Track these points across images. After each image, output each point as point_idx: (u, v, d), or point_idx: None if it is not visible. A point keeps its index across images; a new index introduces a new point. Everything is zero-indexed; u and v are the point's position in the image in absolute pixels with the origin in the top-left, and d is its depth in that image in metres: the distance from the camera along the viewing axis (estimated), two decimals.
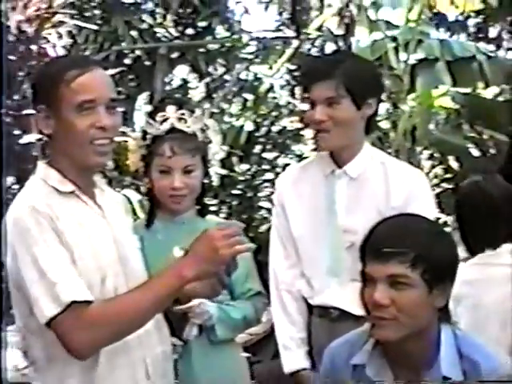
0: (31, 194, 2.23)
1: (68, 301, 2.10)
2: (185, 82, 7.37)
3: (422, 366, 2.14)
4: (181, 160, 2.69)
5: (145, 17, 7.35)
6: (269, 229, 6.13)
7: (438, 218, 2.87)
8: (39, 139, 5.07)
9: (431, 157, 6.30)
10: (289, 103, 7.34)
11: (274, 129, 6.85)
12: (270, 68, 7.20)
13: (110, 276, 2.24)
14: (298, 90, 7.39)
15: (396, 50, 5.89)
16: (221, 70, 7.52)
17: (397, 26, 6.42)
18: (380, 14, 6.60)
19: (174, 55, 7.28)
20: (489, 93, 6.68)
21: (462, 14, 7.99)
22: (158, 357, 2.36)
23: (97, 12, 7.13)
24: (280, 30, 7.43)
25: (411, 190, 2.82)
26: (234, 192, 6.41)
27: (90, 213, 2.29)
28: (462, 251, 2.88)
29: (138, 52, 7.27)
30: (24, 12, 5.53)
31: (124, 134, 2.67)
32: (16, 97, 5.55)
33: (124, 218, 2.46)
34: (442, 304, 2.15)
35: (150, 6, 7.50)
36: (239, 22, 7.74)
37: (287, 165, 6.61)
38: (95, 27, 6.77)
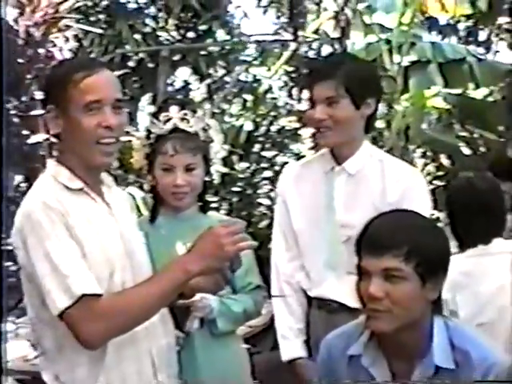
0: (42, 190, 2.23)
1: (79, 293, 2.11)
2: (186, 83, 7.37)
3: (415, 356, 2.15)
4: (183, 158, 2.69)
5: (148, 21, 7.35)
6: (268, 225, 6.17)
7: (432, 215, 2.87)
8: (46, 139, 5.07)
9: (424, 155, 6.30)
10: (287, 104, 7.34)
11: (273, 128, 6.84)
12: (269, 70, 7.20)
13: (118, 270, 2.25)
14: (295, 91, 7.39)
15: (390, 52, 5.89)
16: (221, 71, 7.52)
17: (390, 30, 6.42)
18: (374, 17, 6.60)
19: (176, 57, 7.28)
20: (479, 94, 6.68)
21: (452, 18, 7.98)
22: (164, 348, 2.38)
23: (102, 16, 7.13)
24: (278, 34, 7.43)
25: (407, 187, 2.83)
26: (234, 189, 6.41)
27: (98, 209, 2.29)
28: (453, 246, 2.88)
29: (141, 55, 7.27)
30: (32, 17, 5.53)
31: (128, 133, 2.67)
32: (24, 98, 5.54)
33: (130, 214, 2.47)
34: (434, 297, 2.15)
35: (152, 10, 7.49)
36: (239, 25, 7.74)
37: (285, 163, 6.62)
38: (100, 31, 6.76)
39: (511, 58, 7.11)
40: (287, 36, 7.02)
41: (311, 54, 7.24)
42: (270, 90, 7.24)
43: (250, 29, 7.82)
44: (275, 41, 7.37)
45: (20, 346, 3.83)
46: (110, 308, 2.15)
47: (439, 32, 8.42)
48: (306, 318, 2.95)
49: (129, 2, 7.40)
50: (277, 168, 6.61)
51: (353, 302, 2.23)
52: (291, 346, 2.93)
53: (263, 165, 6.64)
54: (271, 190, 6.50)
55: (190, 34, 7.45)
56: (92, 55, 6.72)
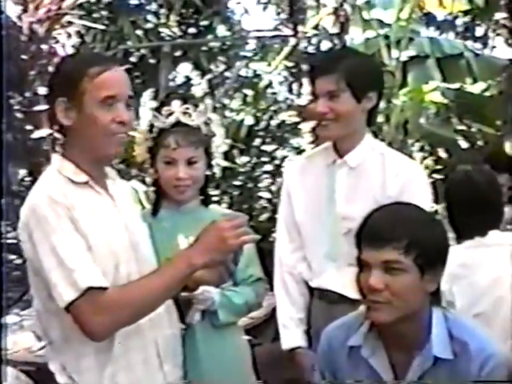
0: (48, 184, 2.23)
1: (85, 286, 2.12)
2: (188, 78, 7.37)
3: (414, 346, 2.15)
4: (185, 152, 2.69)
5: (149, 17, 7.34)
6: (268, 218, 6.17)
7: (432, 207, 2.87)
8: (50, 134, 5.07)
9: (422, 149, 6.30)
10: (287, 98, 7.34)
11: (273, 123, 6.84)
12: (269, 65, 7.19)
13: (123, 262, 2.26)
14: (295, 86, 7.39)
15: (388, 47, 5.88)
16: (222, 67, 7.52)
17: (389, 25, 6.41)
18: (373, 13, 6.60)
19: (178, 53, 7.28)
20: (476, 88, 6.68)
21: (450, 13, 7.97)
22: (169, 338, 2.40)
23: (104, 13, 7.12)
24: (278, 29, 7.41)
25: (407, 180, 2.83)
26: (235, 183, 6.41)
27: (103, 202, 2.29)
28: (451, 238, 2.88)
29: (143, 50, 7.27)
30: (35, 13, 5.52)
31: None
32: (27, 94, 5.54)
33: (133, 206, 2.48)
34: (433, 288, 2.15)
35: (154, 6, 7.48)
36: (239, 21, 7.73)
37: (285, 157, 6.63)
38: (102, 27, 6.76)
39: (508, 53, 7.10)
40: (287, 32, 7.00)
41: (311, 49, 7.24)
42: (270, 85, 7.23)
43: (250, 25, 7.84)
44: (275, 36, 7.36)
45: (25, 337, 3.83)
46: (115, 300, 2.16)
47: (437, 27, 8.43)
48: (307, 308, 2.97)
49: None
50: (277, 162, 6.62)
51: (353, 293, 2.23)
52: (291, 336, 2.95)
53: (263, 159, 6.64)
54: (272, 184, 6.50)
55: (191, 30, 7.45)
56: (94, 51, 6.71)
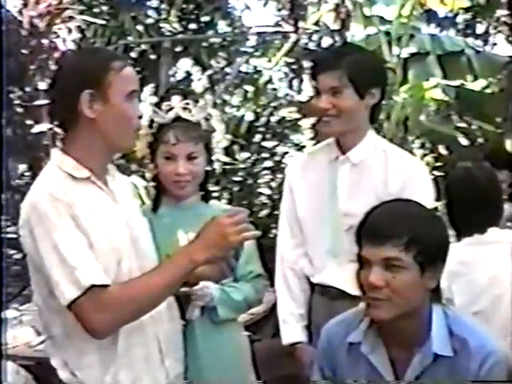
0: (48, 181, 2.22)
1: (88, 284, 2.12)
2: (188, 74, 7.35)
3: (414, 343, 2.15)
4: (185, 147, 2.68)
5: (150, 12, 7.33)
6: (268, 214, 6.16)
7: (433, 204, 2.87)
8: (50, 129, 5.07)
9: (422, 146, 6.29)
10: (287, 94, 7.33)
11: (273, 119, 6.83)
12: (269, 61, 7.18)
13: (125, 259, 2.26)
14: (295, 82, 7.38)
15: (389, 44, 5.86)
16: (222, 62, 7.51)
17: (390, 22, 6.39)
18: (374, 10, 6.59)
19: (178, 49, 7.26)
20: (477, 85, 6.66)
21: (451, 11, 7.96)
22: (170, 333, 2.40)
23: (104, 8, 7.11)
24: (279, 25, 7.40)
25: (408, 177, 2.83)
26: (235, 179, 6.40)
27: (104, 198, 2.29)
28: (451, 236, 2.88)
29: (143, 46, 7.25)
30: (36, 8, 5.52)
31: None
32: (28, 88, 5.54)
33: (133, 201, 2.47)
34: (433, 285, 2.15)
35: (155, 1, 7.47)
36: (240, 17, 7.72)
37: (286, 153, 6.62)
38: (103, 22, 6.75)
39: (509, 51, 7.09)
40: (288, 28, 6.99)
41: (311, 45, 7.22)
42: (270, 81, 7.22)
43: (251, 20, 7.80)
44: (276, 32, 7.35)
45: (24, 332, 3.83)
46: (117, 298, 2.16)
47: (438, 24, 8.42)
48: (308, 304, 2.98)
49: None
50: (277, 158, 6.61)
51: (354, 290, 2.23)
52: (292, 331, 2.97)
53: (264, 155, 6.63)
54: (272, 180, 6.50)
55: (192, 26, 7.43)
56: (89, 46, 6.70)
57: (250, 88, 7.15)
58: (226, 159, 5.67)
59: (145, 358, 2.29)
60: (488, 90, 6.61)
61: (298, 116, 6.66)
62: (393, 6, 6.52)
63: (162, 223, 2.71)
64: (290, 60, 7.23)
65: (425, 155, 6.06)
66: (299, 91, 7.41)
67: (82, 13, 6.19)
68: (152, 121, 2.71)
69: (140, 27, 7.13)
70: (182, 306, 2.56)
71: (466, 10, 7.89)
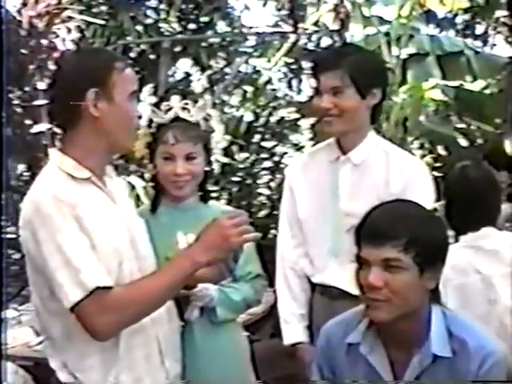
0: (51, 182, 2.21)
1: (92, 286, 2.11)
2: (187, 74, 7.34)
3: (413, 344, 2.14)
4: (184, 147, 2.68)
5: (149, 12, 7.31)
6: (267, 214, 6.16)
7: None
8: (49, 129, 5.06)
9: (422, 146, 6.28)
10: (286, 95, 7.32)
11: (273, 119, 6.83)
12: (269, 61, 7.16)
13: (126, 260, 2.26)
14: (295, 83, 7.38)
15: (388, 44, 5.86)
16: (222, 63, 7.50)
17: (389, 22, 6.40)
18: (373, 10, 6.59)
19: (177, 49, 7.25)
20: (476, 86, 6.66)
21: (450, 11, 7.96)
22: (169, 333, 2.41)
23: (104, 8, 7.09)
24: (278, 26, 7.39)
25: (410, 177, 2.84)
26: (234, 179, 6.40)
27: (104, 199, 2.29)
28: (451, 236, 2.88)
29: (142, 46, 7.24)
30: (35, 8, 5.51)
31: None
32: (27, 88, 5.53)
33: (130, 202, 2.47)
34: (432, 286, 2.14)
35: (154, 2, 7.46)
36: (239, 17, 7.71)
37: (285, 153, 6.61)
38: (102, 22, 6.74)
39: (508, 51, 7.08)
40: (287, 28, 6.99)
41: (311, 45, 7.22)
42: (269, 81, 7.21)
43: (250, 21, 7.78)
44: (275, 33, 7.34)
45: (23, 332, 3.83)
46: (121, 300, 2.16)
47: (437, 25, 8.41)
48: (309, 304, 2.98)
49: None
50: (276, 158, 6.61)
51: (355, 290, 2.23)
52: (293, 331, 2.97)
53: (263, 155, 6.63)
54: (271, 180, 6.49)
55: (191, 26, 7.42)
56: (94, 46, 6.71)
57: (249, 88, 7.15)
58: (225, 159, 5.66)
59: (145, 359, 2.30)
60: (487, 91, 6.61)
61: (297, 116, 6.66)
62: (392, 6, 6.52)
63: (160, 224, 2.71)
64: (290, 60, 7.22)
65: (424, 156, 6.06)
66: (298, 91, 7.40)
67: (81, 13, 6.18)
68: (151, 121, 2.71)
69: (139, 27, 7.12)
70: (181, 306, 2.56)
71: (466, 10, 7.88)
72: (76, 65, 2.31)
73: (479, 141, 6.25)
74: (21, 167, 6.07)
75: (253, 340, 3.34)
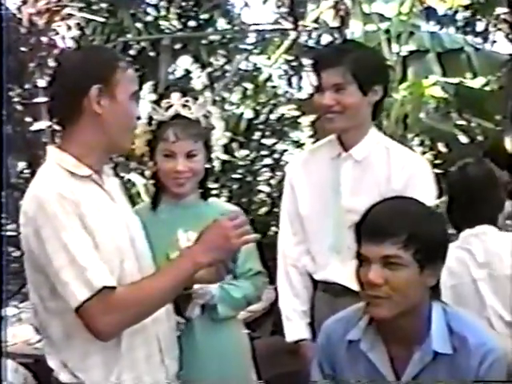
0: (53, 179, 2.20)
1: (99, 286, 2.11)
2: (187, 72, 7.34)
3: (414, 341, 2.15)
4: (184, 145, 2.68)
5: (149, 10, 7.30)
6: (267, 211, 6.16)
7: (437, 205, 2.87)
8: (49, 126, 5.07)
9: (422, 143, 6.29)
10: (286, 92, 7.31)
11: (273, 116, 6.82)
12: (269, 58, 7.16)
13: (127, 259, 2.25)
14: (295, 80, 7.37)
15: (388, 41, 5.86)
16: (222, 60, 7.49)
17: (389, 19, 6.39)
18: (373, 7, 6.57)
19: (177, 46, 7.24)
20: (476, 83, 6.65)
21: (450, 8, 7.95)
22: (167, 332, 2.42)
23: (104, 5, 7.08)
24: (278, 23, 7.37)
25: (411, 174, 2.85)
26: (235, 176, 6.39)
27: (104, 197, 2.29)
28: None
29: (142, 43, 7.23)
30: (35, 5, 5.51)
31: None
32: (27, 86, 5.53)
33: (126, 201, 2.47)
34: (433, 283, 2.14)
35: None
36: (239, 14, 7.70)
37: (285, 151, 6.61)
38: (102, 19, 6.73)
39: (508, 48, 7.08)
40: (287, 25, 6.97)
41: (311, 43, 7.21)
42: (269, 78, 7.21)
43: (250, 18, 7.77)
44: (275, 30, 7.33)
45: (23, 330, 3.83)
46: (124, 300, 2.16)
47: (437, 22, 8.39)
48: (311, 301, 2.99)
49: None
50: (276, 156, 6.61)
51: (356, 286, 2.23)
52: (296, 328, 2.98)
53: (263, 152, 6.62)
54: (271, 178, 6.49)
55: (192, 23, 7.41)
56: (94, 43, 6.70)
57: (249, 85, 7.14)
58: (226, 157, 5.66)
59: (146, 358, 2.30)
60: (487, 88, 6.60)
61: (297, 113, 6.66)
62: (392, 3, 6.52)
63: (161, 221, 2.71)
64: (290, 57, 7.22)
65: (424, 153, 6.06)
66: (299, 89, 7.39)
67: (81, 10, 6.18)
68: (151, 118, 2.71)
69: (139, 24, 7.11)
70: (178, 305, 2.56)
71: (466, 7, 7.88)
72: (80, 61, 2.30)
73: (479, 138, 6.24)
74: (21, 165, 6.07)
75: (253, 337, 3.34)
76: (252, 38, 7.67)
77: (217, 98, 6.35)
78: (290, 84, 7.41)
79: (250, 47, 7.56)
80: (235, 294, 2.71)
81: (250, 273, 2.77)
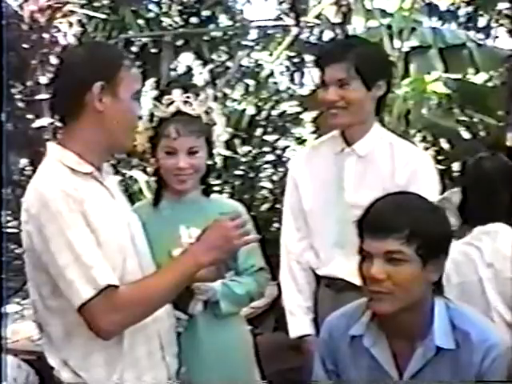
0: (56, 176, 2.19)
1: (104, 284, 2.11)
2: (189, 68, 7.34)
3: (416, 336, 2.15)
4: (186, 141, 2.67)
5: (151, 6, 7.31)
6: (269, 208, 6.16)
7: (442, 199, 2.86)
8: (51, 123, 5.06)
9: (424, 139, 6.28)
10: (288, 88, 7.31)
11: (275, 113, 6.82)
12: (271, 55, 7.16)
13: (129, 257, 2.25)
14: (297, 76, 7.37)
15: (390, 37, 5.85)
16: (224, 56, 7.49)
17: (391, 15, 6.38)
18: (375, 3, 6.56)
19: (179, 43, 7.24)
20: (479, 79, 6.64)
21: (452, 4, 7.95)
22: (167, 329, 2.41)
23: (105, 2, 7.09)
24: (280, 19, 7.38)
25: (415, 170, 2.85)
26: (237, 173, 6.40)
27: (106, 194, 2.28)
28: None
29: (144, 40, 7.23)
30: (36, 2, 5.51)
31: None
32: (29, 83, 5.53)
33: (125, 199, 2.46)
34: (435, 278, 2.14)
35: None
36: (241, 10, 7.70)
37: (287, 147, 6.62)
38: (104, 16, 6.73)
39: (511, 44, 7.07)
40: (289, 21, 6.98)
41: (313, 39, 7.21)
42: (271, 74, 7.21)
43: (252, 14, 7.78)
44: (277, 26, 7.33)
45: (25, 326, 3.84)
46: (128, 299, 2.16)
47: (439, 17, 8.38)
48: (314, 297, 2.99)
49: None
50: (278, 152, 6.61)
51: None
52: (299, 323, 2.98)
53: (265, 149, 6.63)
54: (273, 174, 6.50)
55: (193, 20, 7.41)
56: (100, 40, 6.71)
57: (251, 82, 7.15)
58: (228, 153, 5.67)
59: (148, 356, 2.30)
60: (490, 84, 6.60)
61: (299, 110, 6.66)
62: None
63: (163, 217, 2.71)
64: (292, 54, 7.22)
65: (426, 149, 6.05)
66: (301, 85, 7.40)
67: (82, 7, 6.18)
68: (152, 115, 2.70)
69: (141, 21, 7.11)
70: (184, 300, 2.56)
71: (468, 2, 7.87)
72: (85, 57, 2.29)
73: (482, 133, 6.24)
74: (23, 162, 6.08)
75: (256, 333, 3.35)
76: (254, 34, 7.67)
77: (219, 95, 6.35)
78: (291, 80, 7.41)
79: (251, 43, 7.56)
80: (238, 291, 2.71)
81: (252, 269, 2.77)
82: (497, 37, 8.27)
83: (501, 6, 7.59)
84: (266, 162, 6.59)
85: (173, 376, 2.41)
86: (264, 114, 6.79)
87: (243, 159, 6.46)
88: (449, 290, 2.71)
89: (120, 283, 2.16)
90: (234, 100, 6.99)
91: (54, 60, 5.36)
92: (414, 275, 2.08)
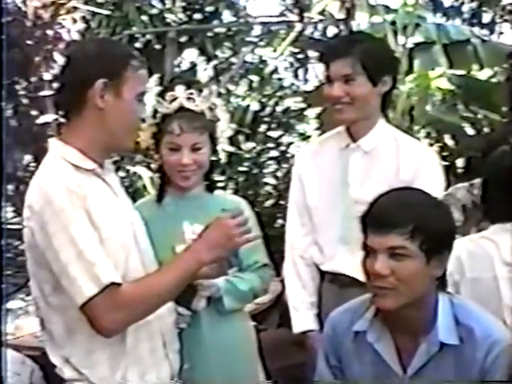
0: (60, 173, 2.18)
1: (107, 282, 2.10)
2: (193, 64, 7.35)
3: (420, 332, 2.14)
4: (189, 137, 2.66)
5: (155, 2, 7.31)
6: (273, 204, 6.17)
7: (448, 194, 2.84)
8: (55, 119, 5.07)
9: (428, 135, 6.29)
10: (292, 84, 7.32)
11: (279, 109, 6.84)
12: (275, 51, 7.16)
13: (131, 254, 2.25)
14: (301, 72, 7.37)
15: (395, 33, 5.85)
16: (228, 52, 7.49)
17: (395, 11, 6.38)
18: None
19: (183, 39, 7.25)
20: (483, 75, 6.64)
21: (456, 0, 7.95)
22: (169, 326, 2.41)
23: None
24: (284, 15, 7.38)
25: (420, 166, 2.84)
26: (241, 169, 6.41)
27: (108, 191, 2.27)
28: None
29: (148, 36, 7.24)
30: None
31: None
32: (33, 79, 5.54)
33: (126, 196, 2.46)
34: (439, 274, 2.14)
35: None
36: (245, 7, 7.70)
37: (291, 143, 6.62)
38: (108, 12, 6.74)
39: None
40: (293, 17, 6.98)
41: (317, 35, 7.21)
42: (275, 70, 7.22)
43: (256, 10, 7.80)
44: (281, 22, 7.33)
45: (29, 322, 3.84)
46: (130, 297, 2.16)
47: (444, 13, 8.38)
48: (318, 292, 2.99)
49: None
50: (282, 148, 6.62)
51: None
52: (303, 319, 2.98)
53: (269, 145, 6.64)
54: (277, 170, 6.50)
55: (197, 16, 7.42)
56: (100, 36, 6.70)
57: (255, 78, 7.16)
58: (231, 149, 5.67)
59: (151, 353, 2.30)
60: (494, 80, 6.59)
61: (303, 106, 6.66)
62: None
63: (166, 214, 2.71)
64: (296, 50, 7.22)
65: (430, 145, 6.05)
66: (305, 81, 7.40)
67: (86, 3, 6.19)
68: (156, 111, 2.70)
69: (145, 17, 7.12)
70: (187, 297, 2.56)
71: None
72: (92, 52, 2.28)
73: (486, 129, 6.23)
74: (27, 158, 6.09)
75: (260, 330, 3.35)
76: (258, 30, 7.68)
77: (222, 91, 6.35)
78: (295, 76, 7.42)
79: (255, 40, 7.57)
80: (241, 287, 2.71)
81: (256, 265, 2.76)
82: (501, 33, 8.27)
83: (505, 1, 7.58)
84: (270, 158, 6.60)
85: (176, 373, 2.41)
86: (268, 110, 6.80)
87: (247, 155, 6.47)
88: (464, 283, 2.72)
89: (122, 281, 2.15)
90: (238, 96, 6.99)
91: (57, 56, 5.36)
92: (417, 271, 2.08)
